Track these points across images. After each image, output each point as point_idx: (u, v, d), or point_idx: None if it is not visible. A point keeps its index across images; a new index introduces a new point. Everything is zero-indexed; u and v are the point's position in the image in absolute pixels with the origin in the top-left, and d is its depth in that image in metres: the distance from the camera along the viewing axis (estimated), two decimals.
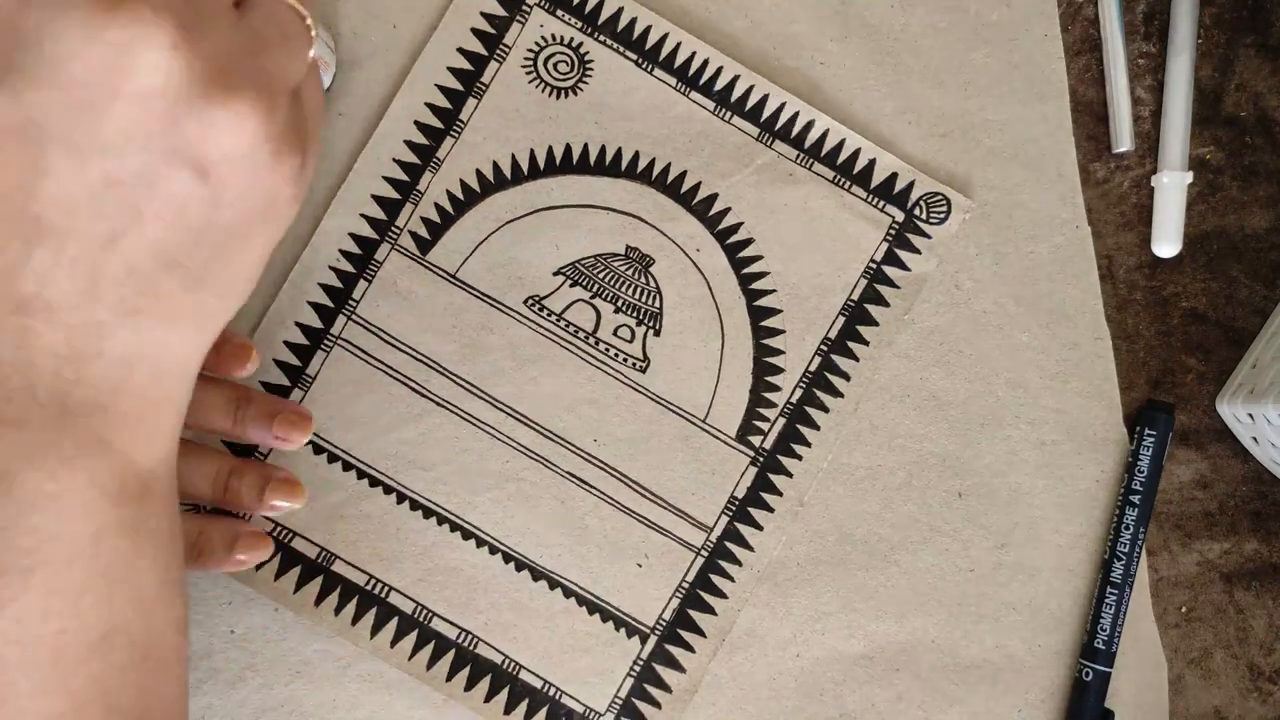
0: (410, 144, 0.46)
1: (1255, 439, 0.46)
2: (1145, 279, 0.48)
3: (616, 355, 0.46)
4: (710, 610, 0.46)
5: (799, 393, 0.46)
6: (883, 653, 0.46)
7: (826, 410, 0.46)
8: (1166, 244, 0.47)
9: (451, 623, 0.45)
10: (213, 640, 0.45)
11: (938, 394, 0.47)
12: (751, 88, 0.47)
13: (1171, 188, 0.47)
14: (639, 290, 0.46)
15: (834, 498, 0.47)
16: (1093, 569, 0.47)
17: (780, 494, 0.46)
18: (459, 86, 0.46)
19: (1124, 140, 0.48)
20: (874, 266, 0.47)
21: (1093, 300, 0.48)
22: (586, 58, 0.47)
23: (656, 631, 0.45)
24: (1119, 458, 0.47)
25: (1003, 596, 0.47)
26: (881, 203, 0.47)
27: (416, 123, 0.46)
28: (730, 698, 0.46)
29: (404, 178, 0.46)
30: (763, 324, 0.46)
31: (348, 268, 0.46)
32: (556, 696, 0.45)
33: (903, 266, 0.47)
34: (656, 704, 0.45)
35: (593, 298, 0.46)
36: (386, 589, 0.45)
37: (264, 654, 0.45)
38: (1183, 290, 0.48)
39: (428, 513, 0.45)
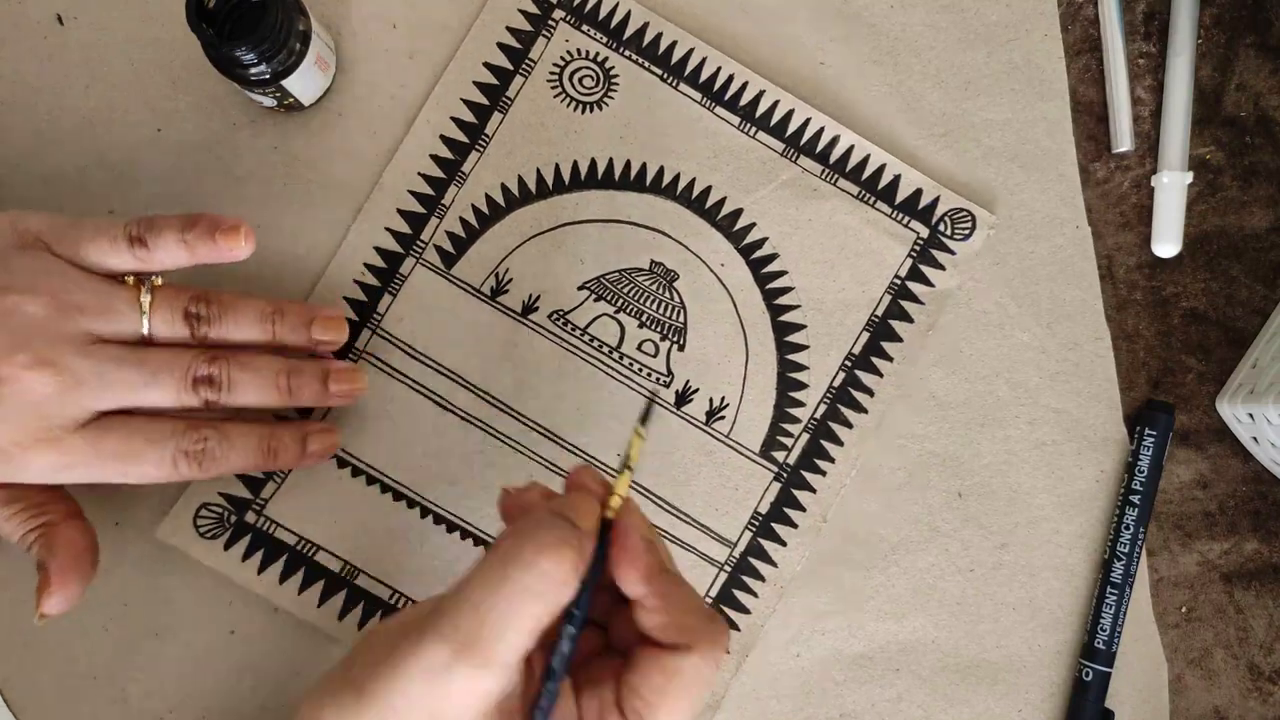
0: (436, 158, 0.46)
1: (1255, 439, 0.46)
2: (1145, 279, 0.48)
3: (641, 370, 0.46)
4: (734, 626, 0.45)
5: (823, 408, 0.46)
6: (883, 653, 0.46)
7: (850, 426, 0.46)
8: (1166, 244, 0.47)
9: None
10: (213, 640, 0.45)
11: (938, 394, 0.47)
12: (777, 103, 0.47)
13: (1171, 188, 0.47)
14: (663, 305, 0.46)
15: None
16: (1093, 569, 0.47)
17: (804, 509, 0.46)
18: (484, 101, 0.46)
19: (1124, 140, 0.48)
20: (898, 282, 0.47)
21: (1093, 300, 0.48)
22: (612, 72, 0.47)
23: None
24: (1119, 458, 0.47)
25: (1003, 596, 0.47)
26: (906, 219, 0.47)
27: (442, 137, 0.46)
28: (730, 698, 0.46)
29: (429, 192, 0.46)
30: (787, 339, 0.46)
31: (372, 281, 0.46)
32: None
33: (927, 282, 0.47)
34: None
35: (617, 312, 0.46)
36: (408, 604, 0.45)
37: (264, 654, 0.45)
38: (1183, 290, 0.48)
39: (451, 527, 0.45)
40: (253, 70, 0.41)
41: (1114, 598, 0.46)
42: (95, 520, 0.45)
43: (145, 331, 0.39)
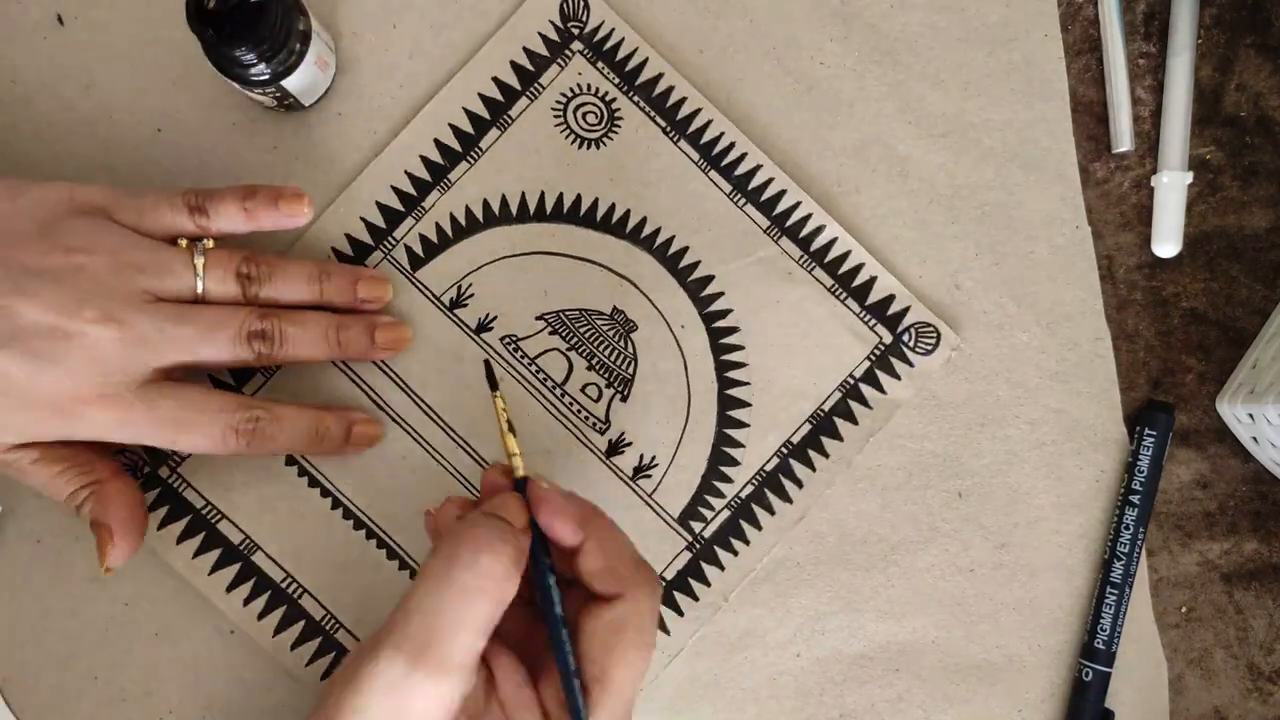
0: (425, 160, 0.46)
1: (1255, 439, 0.46)
2: (1145, 279, 0.48)
3: (579, 411, 0.46)
4: None
5: (750, 489, 0.46)
6: (883, 653, 0.46)
7: (773, 512, 0.46)
8: (1166, 244, 0.47)
9: (357, 639, 0.45)
10: (213, 640, 0.45)
11: (938, 394, 0.47)
12: (771, 180, 0.46)
13: (1171, 188, 0.47)
14: (616, 353, 0.46)
15: (834, 497, 0.47)
16: (1093, 569, 0.47)
17: (708, 584, 0.46)
18: (485, 114, 0.46)
19: (1124, 140, 0.48)
20: (851, 382, 0.46)
21: (1093, 300, 0.48)
22: (617, 114, 0.46)
23: None
24: (1119, 458, 0.47)
25: (1003, 596, 0.47)
26: (873, 321, 0.46)
27: (436, 140, 0.46)
28: (730, 698, 0.46)
29: (412, 191, 0.46)
30: (729, 413, 0.46)
31: None
32: None
33: (880, 389, 0.46)
34: None
35: (569, 350, 0.46)
36: (300, 590, 0.45)
37: (264, 654, 0.45)
38: (1183, 290, 0.48)
39: (359, 524, 0.45)
40: (253, 70, 0.41)
41: (1114, 598, 0.46)
42: None
43: (199, 290, 0.41)
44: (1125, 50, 0.48)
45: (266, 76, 0.42)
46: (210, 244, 0.41)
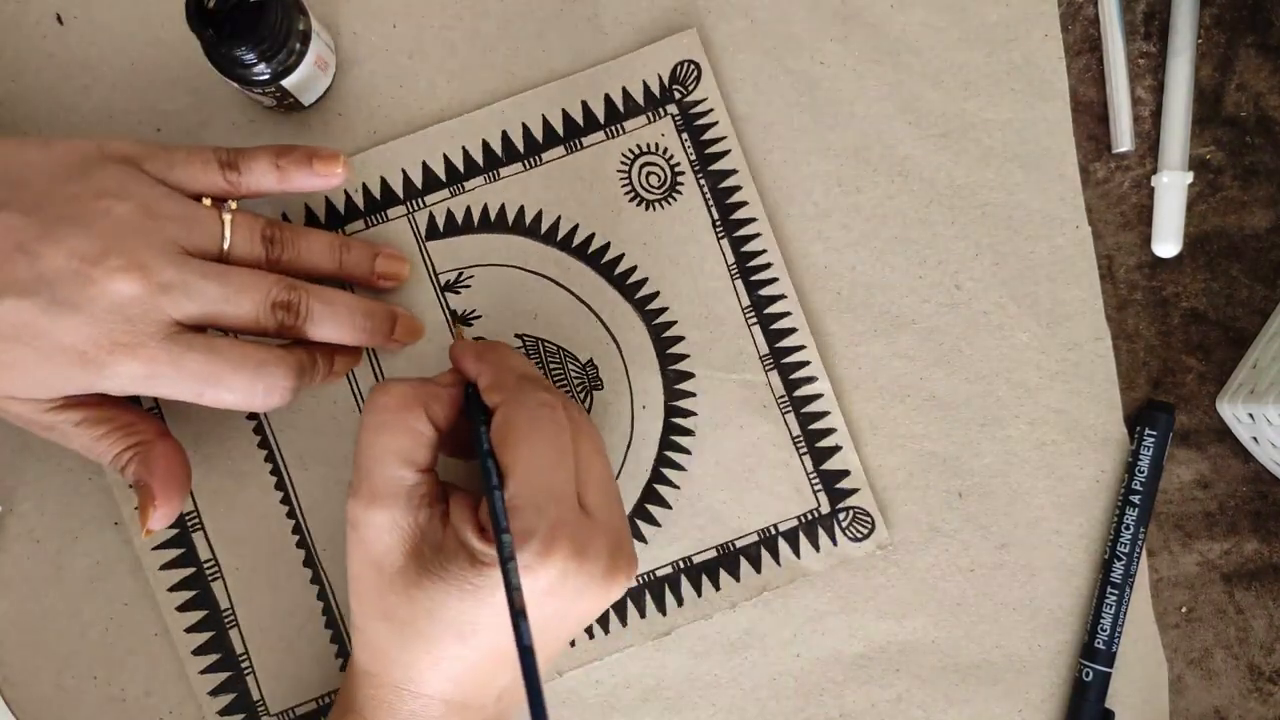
0: (486, 144, 0.46)
1: (1255, 439, 0.46)
2: (1145, 279, 0.48)
3: None
4: None
5: (631, 585, 0.45)
6: (883, 653, 0.46)
7: (643, 615, 0.46)
8: (1166, 244, 0.47)
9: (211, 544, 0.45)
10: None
11: (938, 394, 0.47)
12: (789, 314, 0.46)
13: (1171, 188, 0.47)
14: None
15: None
16: (1093, 569, 0.47)
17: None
18: (560, 130, 0.47)
19: (1124, 140, 0.48)
20: (772, 533, 0.46)
21: (1093, 300, 0.48)
22: (679, 186, 0.47)
23: None
24: (1119, 458, 0.47)
25: (1003, 596, 0.47)
26: (819, 486, 0.46)
27: (504, 133, 0.46)
28: (730, 698, 0.46)
29: (460, 167, 0.46)
30: (648, 505, 0.46)
31: (359, 205, 0.46)
32: (248, 677, 0.44)
33: (795, 552, 0.46)
34: None
35: None
36: (196, 522, 0.45)
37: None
38: (1183, 290, 0.48)
39: (270, 458, 0.45)
40: (253, 70, 0.41)
41: (1114, 598, 0.46)
42: (96, 519, 0.45)
43: (226, 247, 0.40)
44: (1125, 50, 0.48)
45: (266, 76, 0.42)
46: (235, 205, 0.41)
